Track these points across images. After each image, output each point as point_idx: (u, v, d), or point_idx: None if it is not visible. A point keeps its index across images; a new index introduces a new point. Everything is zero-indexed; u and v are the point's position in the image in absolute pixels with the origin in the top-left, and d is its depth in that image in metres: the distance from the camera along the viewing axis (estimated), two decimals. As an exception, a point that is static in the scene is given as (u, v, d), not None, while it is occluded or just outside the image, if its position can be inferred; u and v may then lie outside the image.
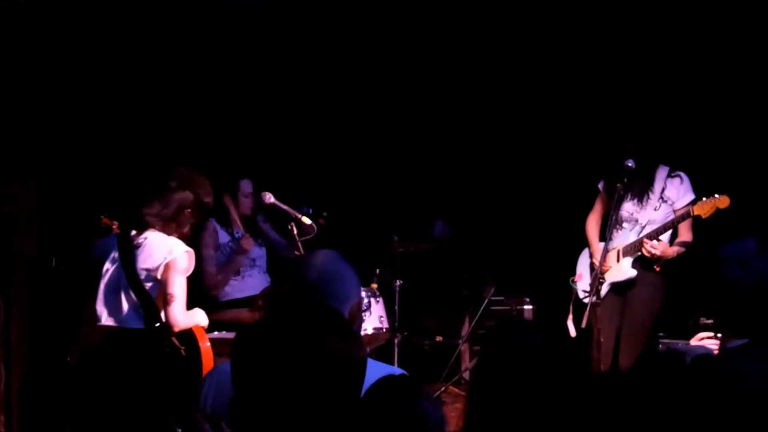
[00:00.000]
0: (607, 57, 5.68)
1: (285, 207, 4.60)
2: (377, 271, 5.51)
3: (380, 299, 5.23)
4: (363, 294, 5.09)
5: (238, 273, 4.91)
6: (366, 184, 6.33)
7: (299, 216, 4.51)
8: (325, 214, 4.80)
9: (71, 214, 5.23)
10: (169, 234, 3.65)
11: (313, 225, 4.48)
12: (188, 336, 3.64)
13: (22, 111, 4.86)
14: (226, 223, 4.93)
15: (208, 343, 3.67)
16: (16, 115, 4.84)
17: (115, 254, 3.66)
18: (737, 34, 5.23)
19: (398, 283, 5.42)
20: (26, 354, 4.94)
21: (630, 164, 4.40)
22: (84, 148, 5.25)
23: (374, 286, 5.31)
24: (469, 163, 6.39)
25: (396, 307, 5.37)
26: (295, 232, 4.55)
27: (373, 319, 5.04)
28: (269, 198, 4.66)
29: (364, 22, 5.76)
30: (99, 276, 3.72)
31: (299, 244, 4.51)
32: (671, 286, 4.59)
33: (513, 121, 6.24)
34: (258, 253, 5.08)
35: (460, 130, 6.35)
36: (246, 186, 5.00)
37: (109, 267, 3.68)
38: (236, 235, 4.92)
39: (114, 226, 3.67)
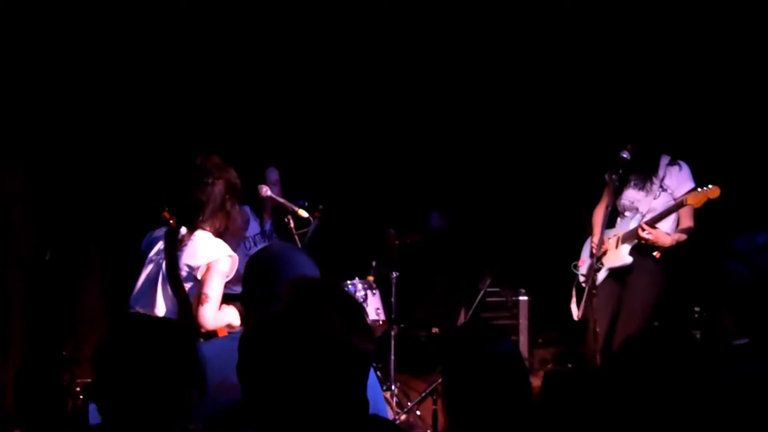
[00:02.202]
0: (607, 47, 5.69)
1: (281, 200, 4.59)
2: (374, 263, 5.51)
3: (377, 291, 5.24)
4: (359, 286, 5.13)
5: None
6: (362, 177, 6.33)
7: (295, 209, 4.50)
8: (321, 206, 4.79)
9: (67, 207, 5.23)
10: (218, 229, 3.64)
11: (310, 218, 4.47)
12: (212, 336, 3.65)
13: (18, 104, 4.85)
14: (258, 214, 4.87)
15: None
16: (12, 108, 4.82)
17: (161, 247, 3.66)
18: (735, 24, 5.25)
19: (394, 275, 5.42)
20: (21, 347, 4.94)
21: (625, 155, 4.45)
22: (79, 141, 5.24)
23: (371, 278, 5.32)
24: (465, 154, 6.39)
25: (392, 299, 5.38)
26: (292, 225, 4.54)
27: (370, 311, 5.06)
28: (266, 191, 4.65)
29: (357, 14, 5.75)
30: (141, 266, 3.72)
31: (296, 237, 4.50)
32: (671, 274, 4.62)
33: (510, 113, 6.24)
34: None
35: (457, 122, 6.35)
36: (272, 174, 4.96)
37: (153, 258, 3.67)
38: (265, 228, 4.87)
39: (172, 221, 3.65)
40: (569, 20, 5.65)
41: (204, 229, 3.60)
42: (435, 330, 5.95)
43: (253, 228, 4.85)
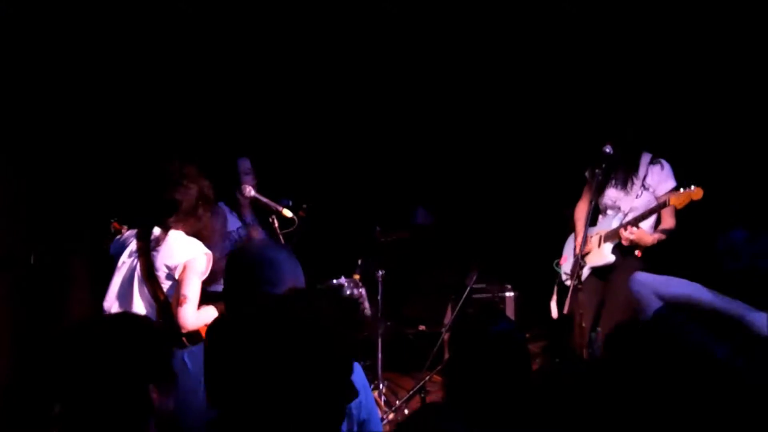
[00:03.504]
0: (589, 44, 5.69)
1: (265, 200, 4.58)
2: (359, 261, 5.51)
3: (363, 290, 5.24)
4: (346, 285, 5.12)
5: None
6: (346, 175, 6.32)
7: (280, 208, 4.48)
8: (305, 206, 4.77)
9: (53, 211, 5.20)
10: (190, 230, 3.65)
11: (294, 217, 4.46)
12: (196, 336, 3.65)
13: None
14: (236, 208, 4.84)
15: None
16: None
17: (133, 249, 3.65)
18: (718, 23, 5.26)
19: (380, 273, 5.42)
20: (8, 350, 4.91)
21: (608, 150, 4.45)
22: (64, 144, 5.21)
23: (357, 276, 5.32)
24: (450, 151, 6.40)
25: (379, 297, 5.38)
26: (276, 224, 4.53)
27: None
28: (249, 191, 4.64)
29: (339, 13, 5.75)
30: (112, 270, 3.71)
31: (280, 236, 4.49)
32: (652, 271, 4.63)
33: (494, 109, 6.25)
34: None
35: (442, 119, 6.35)
36: (244, 164, 4.93)
37: (126, 261, 3.66)
38: (246, 221, 4.85)
39: (124, 230, 3.66)
40: (550, 19, 5.66)
41: (177, 229, 3.61)
42: (422, 327, 5.97)
43: (233, 222, 4.82)
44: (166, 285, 3.56)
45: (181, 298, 3.50)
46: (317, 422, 1.54)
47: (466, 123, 6.33)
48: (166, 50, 5.55)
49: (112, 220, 3.77)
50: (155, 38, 5.45)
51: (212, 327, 1.76)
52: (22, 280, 4.98)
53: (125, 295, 3.60)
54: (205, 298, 4.79)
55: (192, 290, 3.51)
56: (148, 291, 3.54)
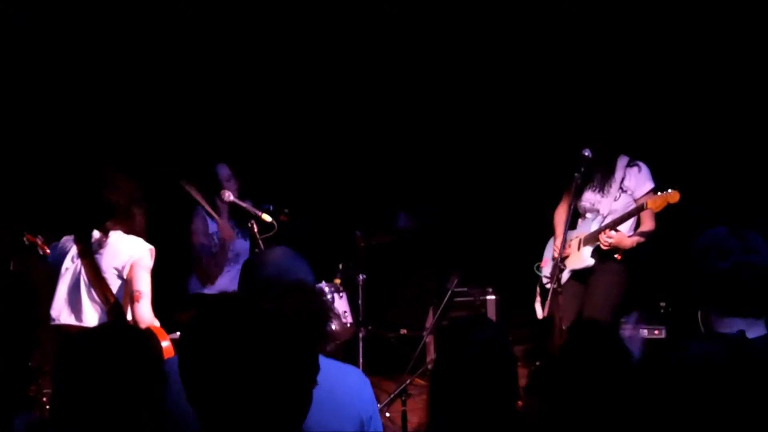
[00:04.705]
0: (568, 48, 5.73)
1: (245, 205, 4.56)
2: (340, 266, 5.51)
3: (344, 294, 5.24)
4: (327, 289, 5.12)
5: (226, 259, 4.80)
6: (328, 179, 6.32)
7: (259, 213, 4.47)
8: (286, 210, 4.77)
9: (30, 216, 5.15)
10: (127, 230, 3.68)
11: (274, 222, 4.45)
12: (148, 335, 3.63)
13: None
14: (216, 214, 4.83)
15: (168, 342, 3.69)
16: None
17: (74, 254, 3.64)
18: (696, 28, 5.31)
19: (361, 277, 5.42)
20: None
21: (586, 153, 4.47)
22: (42, 146, 5.18)
23: (337, 281, 5.31)
24: (431, 155, 6.41)
25: (360, 302, 5.38)
26: (256, 229, 4.51)
27: (337, 315, 5.05)
28: (228, 196, 4.63)
29: (322, 18, 5.76)
30: (56, 276, 3.70)
31: (260, 242, 4.47)
32: (632, 273, 4.66)
33: (474, 115, 6.27)
34: (242, 246, 5.00)
35: (422, 123, 6.36)
36: (223, 170, 4.93)
37: (69, 267, 3.66)
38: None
39: (39, 242, 3.68)
40: (530, 23, 5.69)
41: (115, 229, 3.62)
42: (403, 331, 5.97)
43: (212, 226, 4.82)
44: (115, 286, 3.57)
45: (136, 294, 3.52)
46: (281, 416, 1.59)
47: (447, 128, 6.34)
48: (147, 56, 5.54)
49: (25, 234, 3.77)
50: (134, 43, 5.43)
51: (185, 329, 1.77)
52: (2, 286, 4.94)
53: (74, 300, 3.60)
54: (195, 301, 4.81)
55: (145, 286, 3.55)
56: (97, 294, 3.55)
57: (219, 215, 4.83)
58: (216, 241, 4.87)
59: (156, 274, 3.74)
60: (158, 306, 4.16)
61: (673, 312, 5.44)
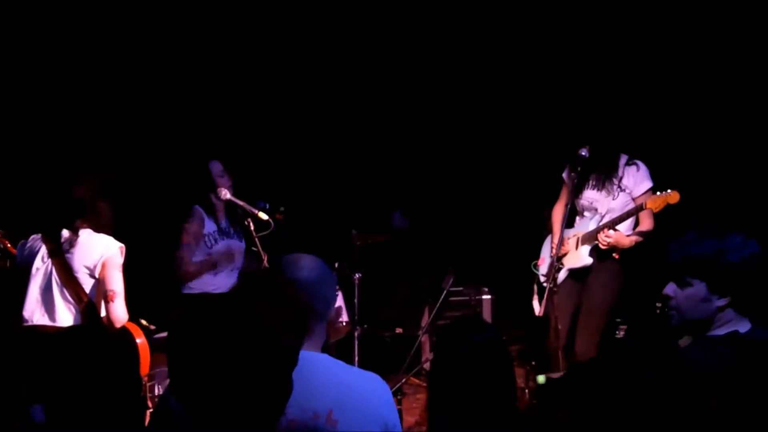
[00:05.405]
0: (568, 47, 5.73)
1: (241, 203, 4.54)
2: (336, 264, 5.49)
3: (339, 293, 5.22)
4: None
5: (214, 267, 4.77)
6: (323, 178, 6.31)
7: (255, 212, 4.46)
8: (282, 209, 4.74)
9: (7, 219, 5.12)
10: (95, 226, 3.65)
11: (270, 220, 4.43)
12: (123, 332, 3.63)
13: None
14: (212, 211, 4.79)
15: (143, 339, 3.70)
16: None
17: (43, 253, 3.61)
18: (694, 30, 5.31)
19: (357, 276, 5.41)
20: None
21: (583, 153, 4.46)
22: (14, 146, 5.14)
23: (333, 279, 5.29)
24: (426, 154, 6.41)
25: (355, 300, 5.36)
26: (252, 227, 4.50)
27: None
28: (225, 194, 4.61)
29: (316, 16, 5.74)
30: (26, 277, 3.66)
31: (256, 240, 4.46)
32: (630, 273, 4.66)
33: (471, 113, 6.27)
34: (237, 245, 4.97)
35: (418, 122, 6.36)
36: (215, 167, 4.89)
37: (39, 267, 3.62)
38: (221, 225, 4.79)
39: (5, 242, 3.66)
40: (530, 22, 5.69)
41: (84, 227, 3.60)
42: (399, 330, 5.96)
43: (209, 226, 4.77)
44: (87, 285, 3.55)
45: (110, 293, 3.50)
46: (262, 406, 1.63)
47: (443, 127, 6.34)
48: (141, 52, 5.51)
49: None
50: (128, 41, 5.40)
51: (171, 329, 1.78)
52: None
53: (46, 301, 3.56)
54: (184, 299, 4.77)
55: (118, 285, 3.53)
56: (70, 294, 3.52)
57: (215, 213, 4.79)
58: (213, 241, 4.84)
59: (148, 272, 3.72)
60: (150, 304, 4.16)
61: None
